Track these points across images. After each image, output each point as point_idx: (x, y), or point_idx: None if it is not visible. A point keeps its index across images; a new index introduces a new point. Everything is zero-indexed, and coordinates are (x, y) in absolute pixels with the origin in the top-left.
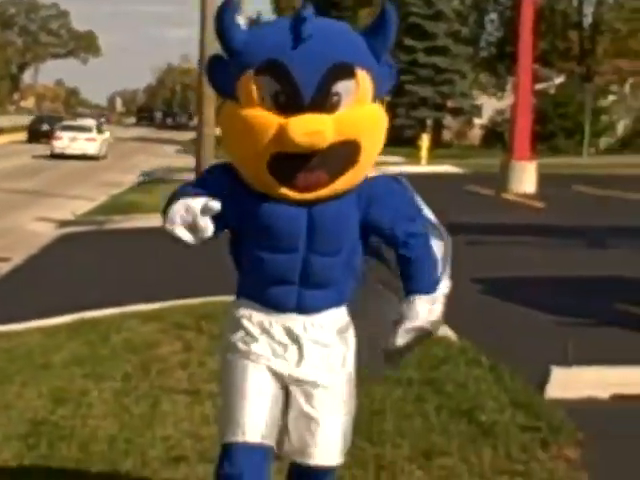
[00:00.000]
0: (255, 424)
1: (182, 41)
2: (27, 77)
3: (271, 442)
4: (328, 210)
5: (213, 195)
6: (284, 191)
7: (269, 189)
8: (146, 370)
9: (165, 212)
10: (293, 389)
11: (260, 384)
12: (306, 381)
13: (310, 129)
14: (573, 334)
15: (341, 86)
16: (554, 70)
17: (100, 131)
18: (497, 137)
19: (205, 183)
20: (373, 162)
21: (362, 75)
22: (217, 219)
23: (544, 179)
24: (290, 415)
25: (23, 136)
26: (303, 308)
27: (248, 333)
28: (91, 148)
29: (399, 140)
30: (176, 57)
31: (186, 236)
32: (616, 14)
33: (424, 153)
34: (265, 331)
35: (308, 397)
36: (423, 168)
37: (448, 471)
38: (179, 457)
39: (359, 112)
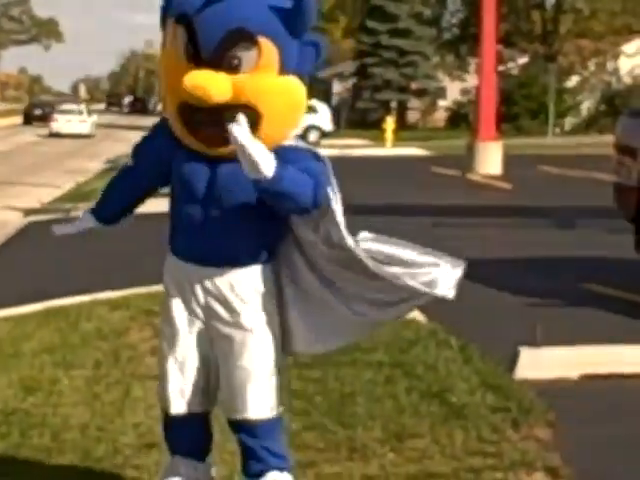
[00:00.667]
0: (180, 395)
1: (146, 27)
2: None
3: (190, 410)
4: (229, 169)
5: (145, 166)
6: (189, 139)
7: (180, 135)
8: (116, 357)
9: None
10: (214, 343)
11: (181, 354)
12: (217, 334)
13: (196, 82)
14: (541, 315)
15: (241, 51)
16: (517, 51)
17: (89, 114)
18: (462, 118)
19: (136, 159)
20: (282, 134)
21: (266, 44)
22: (149, 179)
23: (510, 160)
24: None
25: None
26: (207, 259)
27: (172, 292)
28: (84, 128)
29: (364, 123)
30: (141, 43)
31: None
32: None
33: (389, 136)
34: (179, 287)
35: (223, 351)
36: (389, 151)
37: (420, 453)
38: (151, 444)
39: (260, 79)
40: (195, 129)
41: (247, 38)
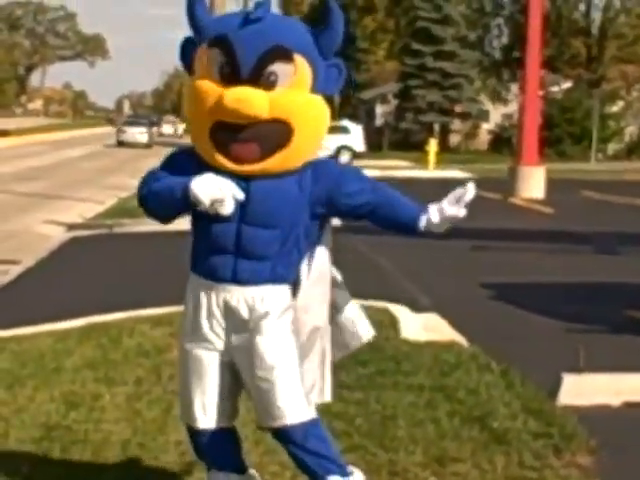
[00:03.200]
0: (204, 411)
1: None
2: (34, 80)
3: (224, 422)
4: (263, 185)
5: (177, 172)
6: (221, 159)
7: (210, 158)
8: (158, 374)
9: (144, 192)
10: (237, 360)
11: (204, 370)
12: (243, 350)
13: (239, 97)
14: (584, 340)
15: (278, 67)
16: (560, 75)
17: (150, 127)
18: (504, 142)
19: (171, 167)
20: (311, 150)
21: (300, 61)
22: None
23: (552, 184)
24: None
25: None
26: (239, 279)
27: (194, 311)
28: (143, 139)
29: (407, 145)
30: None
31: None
32: (623, 20)
33: (432, 158)
34: (206, 306)
35: (248, 365)
36: (431, 173)
37: (461, 478)
38: (193, 462)
39: (294, 95)
40: (227, 148)
41: (284, 54)
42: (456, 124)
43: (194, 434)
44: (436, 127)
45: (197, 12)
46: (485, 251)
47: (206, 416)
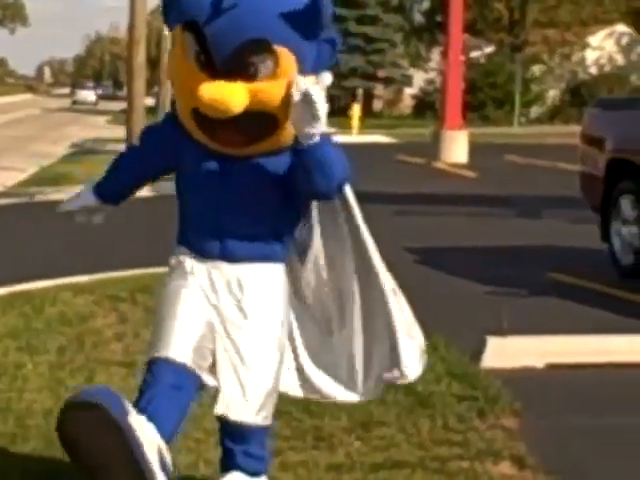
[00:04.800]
0: (182, 344)
1: (113, 10)
2: None
3: (195, 369)
4: (251, 164)
5: (151, 151)
6: (206, 141)
7: (195, 136)
8: (81, 343)
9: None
10: (217, 335)
11: (192, 308)
12: (228, 324)
13: (215, 96)
14: (507, 303)
15: (257, 59)
16: (483, 40)
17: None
18: (428, 107)
19: (143, 143)
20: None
21: (283, 52)
22: (156, 166)
23: (475, 148)
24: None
25: None
26: (227, 255)
27: (183, 271)
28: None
29: (330, 110)
30: (107, 26)
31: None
32: None
33: (355, 123)
34: (193, 268)
35: (230, 349)
36: (354, 138)
37: (387, 441)
38: None
39: (278, 87)
40: (211, 131)
41: (264, 47)
42: (379, 89)
43: (155, 364)
44: (359, 92)
45: None
46: (408, 216)
47: (179, 348)
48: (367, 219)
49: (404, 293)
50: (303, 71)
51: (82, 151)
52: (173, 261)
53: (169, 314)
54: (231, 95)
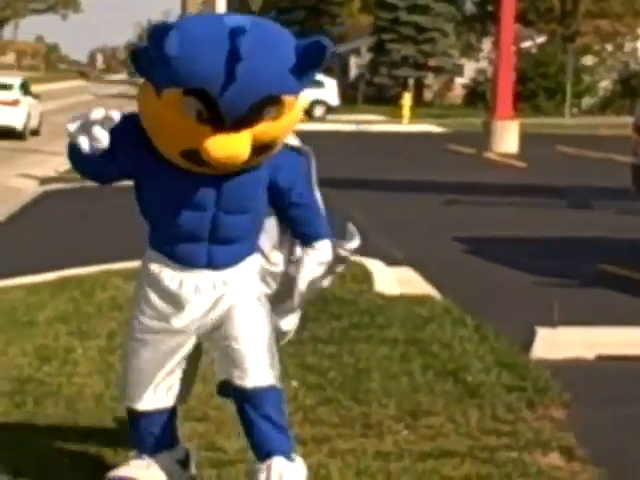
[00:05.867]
0: (154, 392)
1: None
2: (7, 33)
3: (165, 404)
4: (238, 179)
5: (118, 141)
6: (195, 169)
7: (180, 164)
8: None
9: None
10: (201, 332)
11: (160, 350)
12: (210, 322)
13: (227, 153)
14: (558, 295)
15: (266, 110)
16: (535, 30)
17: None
18: (479, 96)
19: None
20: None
21: (288, 100)
22: (117, 164)
23: (526, 139)
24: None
25: None
26: (214, 264)
27: (154, 291)
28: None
29: (381, 99)
30: (158, 14)
31: (84, 144)
32: None
33: (406, 112)
34: (171, 292)
35: (218, 332)
36: (405, 127)
37: (435, 430)
38: None
39: (280, 124)
40: (204, 166)
41: (274, 101)
42: (430, 78)
43: (137, 416)
44: (410, 81)
45: (161, 47)
46: (459, 205)
47: (156, 396)
48: (417, 208)
49: (454, 282)
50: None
51: None
52: (152, 267)
53: (132, 366)
54: (241, 148)
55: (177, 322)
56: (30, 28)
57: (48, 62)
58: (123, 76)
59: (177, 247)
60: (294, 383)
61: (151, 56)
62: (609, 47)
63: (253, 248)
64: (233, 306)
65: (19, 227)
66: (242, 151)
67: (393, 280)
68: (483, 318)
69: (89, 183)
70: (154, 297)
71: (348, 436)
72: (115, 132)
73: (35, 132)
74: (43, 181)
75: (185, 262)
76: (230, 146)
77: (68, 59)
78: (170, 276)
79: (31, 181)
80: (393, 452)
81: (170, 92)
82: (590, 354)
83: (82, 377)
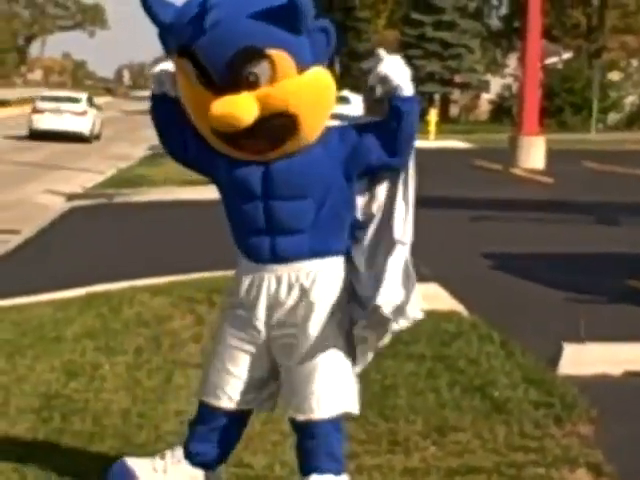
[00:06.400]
0: (228, 390)
1: None
2: (34, 50)
3: (243, 406)
4: (286, 164)
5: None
6: (235, 153)
7: (221, 149)
8: (158, 344)
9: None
10: (274, 345)
11: (237, 352)
12: (283, 334)
13: (224, 111)
14: (585, 310)
15: (253, 67)
16: (560, 45)
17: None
18: (505, 112)
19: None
20: (322, 121)
21: (276, 55)
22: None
23: (552, 154)
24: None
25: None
26: (278, 256)
27: (237, 293)
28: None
29: None
30: None
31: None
32: None
33: (432, 128)
34: (247, 289)
35: (286, 350)
36: (431, 143)
37: (462, 447)
38: None
39: (283, 86)
40: (235, 144)
41: (254, 54)
42: (456, 94)
43: (208, 414)
44: (436, 97)
45: (157, 16)
46: (485, 221)
47: (231, 398)
48: (444, 224)
49: (480, 298)
50: (301, 65)
51: (160, 154)
52: (237, 272)
53: (217, 360)
54: (238, 107)
55: (250, 322)
56: (57, 45)
57: (75, 79)
58: (150, 92)
59: (244, 242)
60: None
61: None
62: (635, 62)
63: (328, 242)
64: (305, 312)
65: (47, 243)
66: (241, 110)
67: (420, 296)
68: (510, 334)
69: (116, 199)
70: (236, 294)
71: (375, 452)
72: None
73: (97, 137)
74: (70, 197)
75: (252, 257)
76: (228, 105)
77: (95, 76)
78: (247, 274)
79: (58, 197)
80: (420, 468)
81: (175, 59)
82: (617, 370)
83: (109, 393)
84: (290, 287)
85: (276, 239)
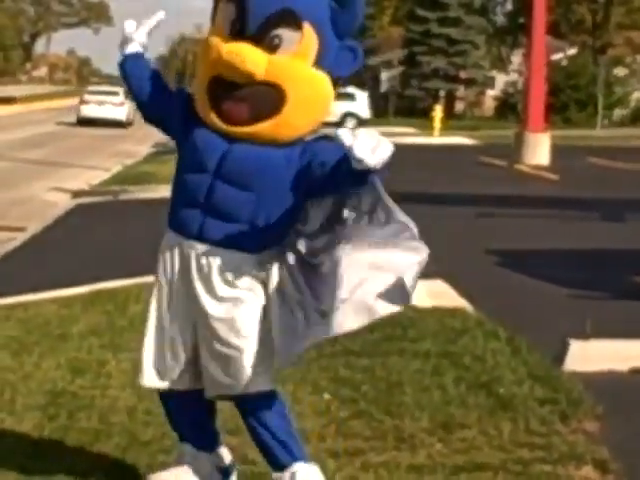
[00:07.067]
0: (172, 372)
1: (196, 11)
2: (39, 46)
3: (194, 383)
4: (247, 148)
5: (169, 100)
6: (212, 117)
7: (203, 114)
8: None
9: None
10: (197, 322)
11: (168, 329)
12: (201, 313)
13: (235, 50)
14: (590, 307)
15: (284, 32)
16: (565, 41)
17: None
18: (510, 108)
19: (168, 89)
20: (303, 125)
21: (309, 31)
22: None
23: (558, 151)
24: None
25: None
26: (205, 237)
27: (163, 268)
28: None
29: (412, 111)
30: (190, 27)
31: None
32: None
33: (437, 124)
34: (171, 261)
35: (207, 330)
36: (436, 139)
37: (468, 443)
38: None
39: (294, 63)
40: (220, 104)
41: (293, 19)
42: (461, 91)
43: (164, 397)
44: (441, 94)
45: None
46: (491, 218)
47: (175, 377)
48: (449, 220)
49: (486, 295)
50: (319, 62)
51: (165, 150)
52: (162, 245)
53: (147, 341)
54: (249, 52)
55: (172, 292)
56: (62, 42)
57: (80, 75)
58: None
59: (177, 214)
60: (326, 396)
61: None
62: None
63: (250, 240)
64: (219, 295)
65: (52, 240)
66: (252, 58)
67: (425, 292)
68: (515, 330)
69: (122, 196)
70: (159, 271)
71: (381, 449)
72: (168, 88)
73: (130, 123)
74: (76, 194)
75: (181, 230)
76: (243, 49)
77: (100, 72)
78: (171, 248)
79: (64, 194)
80: (426, 465)
81: (220, 5)
82: (623, 367)
83: (115, 390)
84: (205, 266)
85: (208, 219)
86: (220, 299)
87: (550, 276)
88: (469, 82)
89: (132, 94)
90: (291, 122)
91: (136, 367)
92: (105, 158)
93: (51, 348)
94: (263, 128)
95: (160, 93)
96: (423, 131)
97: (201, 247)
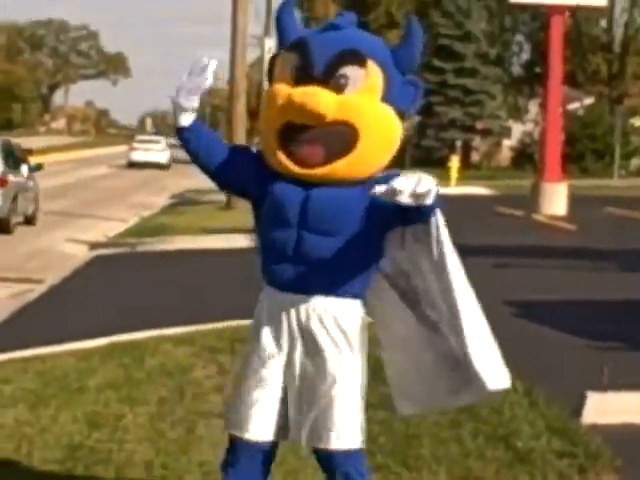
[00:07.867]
0: (255, 423)
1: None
2: (57, 98)
3: (270, 438)
4: (325, 193)
5: (240, 162)
6: (285, 161)
7: (275, 160)
8: (181, 394)
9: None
10: (294, 376)
11: (263, 381)
12: (299, 367)
13: (307, 92)
14: (608, 358)
15: (350, 70)
16: (582, 92)
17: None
18: (526, 158)
19: (237, 153)
20: (378, 160)
21: (373, 68)
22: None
23: (575, 201)
24: (297, 402)
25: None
26: (298, 288)
27: (259, 321)
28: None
29: (428, 161)
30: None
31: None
32: None
33: (454, 174)
34: (270, 316)
35: (309, 381)
36: (453, 189)
37: None
38: None
39: (363, 100)
40: (293, 149)
41: (357, 57)
42: (477, 141)
43: (237, 446)
44: (458, 144)
45: (284, 21)
46: (508, 268)
47: (260, 428)
48: (466, 271)
49: (503, 347)
50: (386, 97)
51: (182, 202)
52: (260, 297)
53: (243, 390)
54: (321, 97)
55: (270, 345)
56: (80, 93)
57: (98, 127)
58: (173, 140)
59: (269, 268)
60: None
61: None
62: None
63: (346, 285)
64: (321, 348)
65: (71, 292)
66: (322, 101)
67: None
68: (533, 382)
69: (139, 248)
70: (256, 322)
71: None
72: (240, 154)
73: (169, 166)
74: (93, 246)
75: (274, 284)
76: (311, 93)
77: (118, 124)
78: (269, 299)
79: (82, 246)
80: None
81: (279, 56)
82: None
83: (132, 444)
84: (301, 317)
85: (301, 270)
86: (321, 349)
87: (568, 327)
88: (485, 132)
89: (199, 167)
90: (365, 159)
91: (229, 420)
92: (121, 209)
93: (68, 401)
94: (338, 167)
95: (228, 161)
96: (440, 181)
97: (297, 297)
